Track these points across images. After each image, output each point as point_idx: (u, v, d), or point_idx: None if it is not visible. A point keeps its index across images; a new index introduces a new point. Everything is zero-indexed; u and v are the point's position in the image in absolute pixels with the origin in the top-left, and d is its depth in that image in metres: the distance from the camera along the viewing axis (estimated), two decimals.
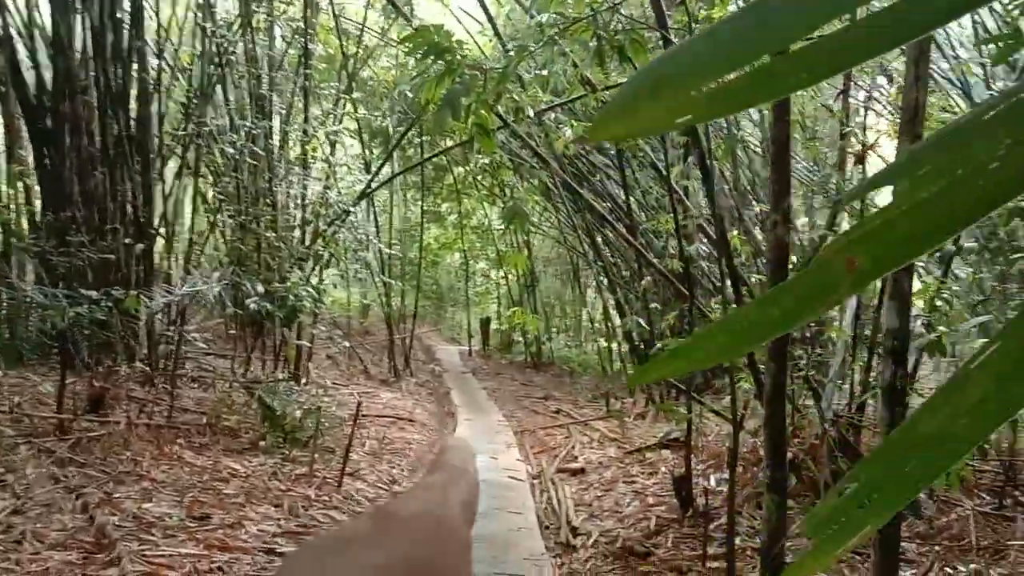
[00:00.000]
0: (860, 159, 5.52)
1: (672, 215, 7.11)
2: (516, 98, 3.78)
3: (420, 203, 18.88)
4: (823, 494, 4.92)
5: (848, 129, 5.13)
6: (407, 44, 3.97)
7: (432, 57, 3.61)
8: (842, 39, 0.53)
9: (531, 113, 5.21)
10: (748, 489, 5.40)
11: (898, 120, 5.61)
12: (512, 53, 5.09)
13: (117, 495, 4.74)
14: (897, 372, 2.43)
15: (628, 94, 0.57)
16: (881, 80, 7.25)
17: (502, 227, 22.10)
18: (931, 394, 0.59)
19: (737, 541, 4.53)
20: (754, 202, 10.49)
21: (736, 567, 4.00)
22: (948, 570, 3.77)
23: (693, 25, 5.03)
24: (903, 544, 4.32)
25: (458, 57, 3.62)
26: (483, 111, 3.75)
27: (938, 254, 6.56)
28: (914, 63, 2.44)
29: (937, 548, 4.09)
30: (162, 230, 9.47)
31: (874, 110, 6.78)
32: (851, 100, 6.18)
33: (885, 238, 0.50)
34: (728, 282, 10.27)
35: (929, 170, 0.52)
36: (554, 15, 4.16)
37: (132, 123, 8.80)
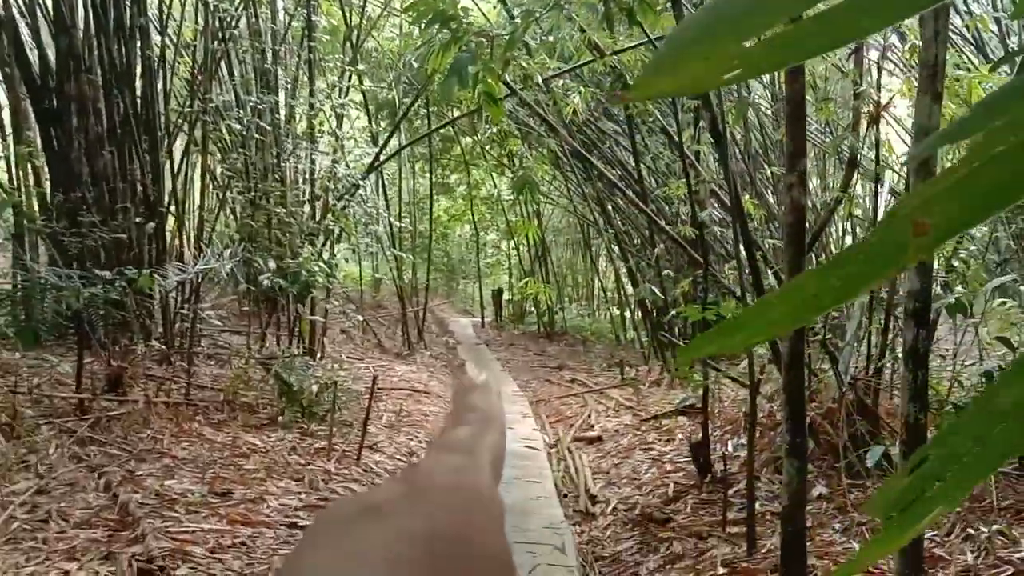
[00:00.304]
0: (874, 119, 5.43)
1: (684, 180, 7.06)
2: (524, 64, 3.71)
3: (429, 175, 18.80)
4: (841, 457, 4.92)
5: (862, 89, 5.04)
6: (411, 12, 3.91)
7: (437, 25, 3.55)
8: None
9: (540, 80, 5.14)
10: (766, 454, 5.40)
11: (912, 79, 5.51)
12: (518, 19, 5.02)
13: (139, 473, 4.78)
14: (919, 334, 2.40)
15: (672, 48, 0.54)
16: (893, 38, 7.12)
17: (512, 197, 22.06)
18: (1010, 365, 0.56)
19: (756, 506, 4.54)
20: (765, 165, 10.39)
21: (756, 532, 4.00)
22: (970, 531, 3.76)
23: None
24: None
25: (464, 24, 3.55)
26: (490, 79, 3.69)
27: None
28: (933, 18, 2.37)
29: (958, 510, 4.07)
30: (172, 208, 9.46)
31: (887, 69, 6.65)
32: (864, 59, 6.07)
33: (957, 197, 0.47)
34: (741, 247, 10.25)
35: (998, 125, 0.48)
36: None
37: (138, 101, 8.75)
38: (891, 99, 5.19)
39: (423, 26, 3.57)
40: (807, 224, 3.32)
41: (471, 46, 3.46)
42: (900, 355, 5.54)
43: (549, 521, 4.74)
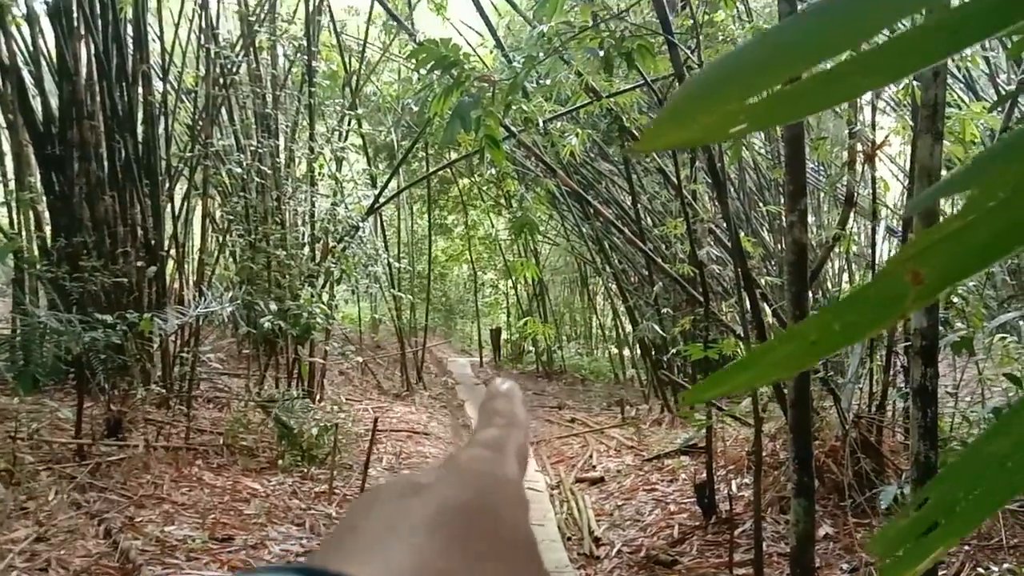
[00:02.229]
0: (870, 158, 5.49)
1: (682, 219, 7.11)
2: (525, 108, 3.76)
3: (427, 215, 18.91)
4: (846, 495, 4.89)
5: (858, 128, 5.11)
6: (414, 59, 3.97)
7: (440, 71, 3.61)
8: (914, 39, 0.52)
9: (540, 122, 5.20)
10: (770, 493, 5.36)
11: (905, 117, 5.59)
12: (517, 64, 5.10)
13: (139, 519, 4.73)
14: (927, 372, 2.40)
15: (680, 102, 0.56)
16: None
17: (509, 237, 22.17)
18: (1013, 404, 0.57)
19: (764, 546, 4.50)
20: (760, 204, 10.48)
21: (764, 573, 3.96)
22: (980, 570, 3.72)
23: (698, 29, 5.03)
24: None
25: (466, 70, 3.62)
26: (492, 123, 3.74)
27: None
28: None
29: (966, 547, 4.04)
30: (172, 252, 9.50)
31: (879, 108, 6.75)
32: (857, 99, 6.16)
33: (953, 249, 0.49)
34: (742, 286, 10.28)
35: (999, 176, 0.50)
36: (560, 23, 4.16)
37: (139, 146, 8.84)
38: (886, 138, 5.26)
39: (426, 72, 3.63)
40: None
41: (474, 91, 3.52)
42: (901, 392, 5.55)
43: (554, 566, 4.69)
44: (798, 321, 3.10)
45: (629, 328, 15.61)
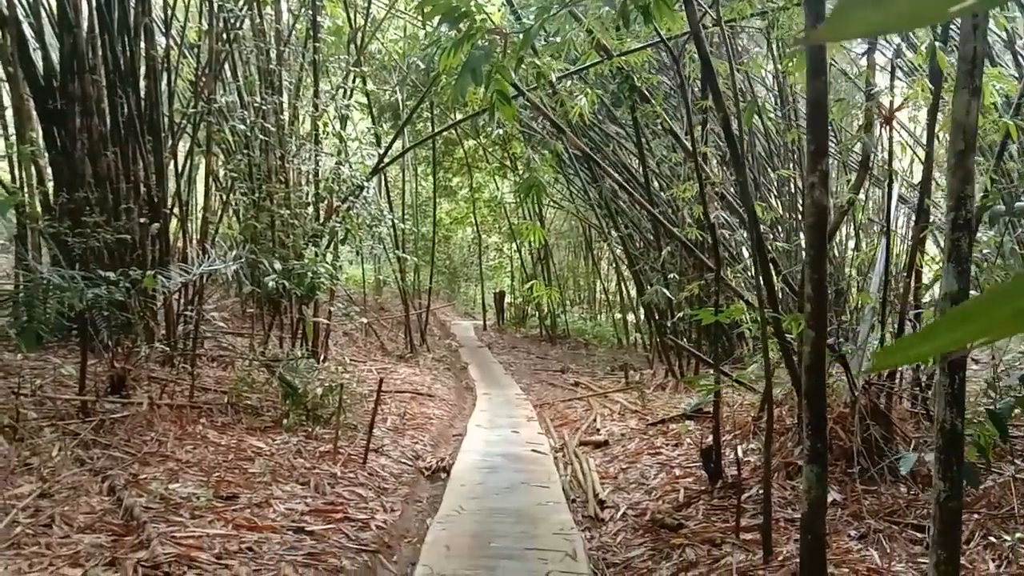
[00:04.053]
0: (887, 121, 5.37)
1: (694, 182, 7.00)
2: (539, 62, 3.65)
3: (432, 177, 18.75)
4: (855, 462, 4.85)
5: (877, 90, 4.98)
6: (421, 11, 3.85)
7: (449, 24, 3.50)
8: None
9: (553, 78, 5.08)
10: (777, 459, 5.32)
11: (925, 80, 5.45)
12: (524, 20, 4.96)
13: (143, 476, 4.72)
14: None
15: None
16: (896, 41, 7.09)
17: (514, 200, 22.04)
18: None
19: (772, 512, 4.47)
20: (769, 170, 10.34)
21: (771, 538, 3.94)
22: (992, 539, 3.69)
23: None
24: None
25: (476, 22, 3.50)
26: (503, 77, 3.63)
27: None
28: (972, 12, 2.31)
29: (976, 516, 4.01)
30: (176, 209, 9.41)
31: (898, 73, 6.58)
32: (874, 61, 6.01)
33: None
34: (744, 251, 10.17)
35: None
36: None
37: (142, 102, 8.70)
38: (905, 100, 5.12)
39: (435, 24, 3.52)
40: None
41: (485, 43, 3.40)
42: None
43: (559, 527, 4.67)
44: (817, 285, 3.02)
45: (634, 293, 15.57)
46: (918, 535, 4.03)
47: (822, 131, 2.97)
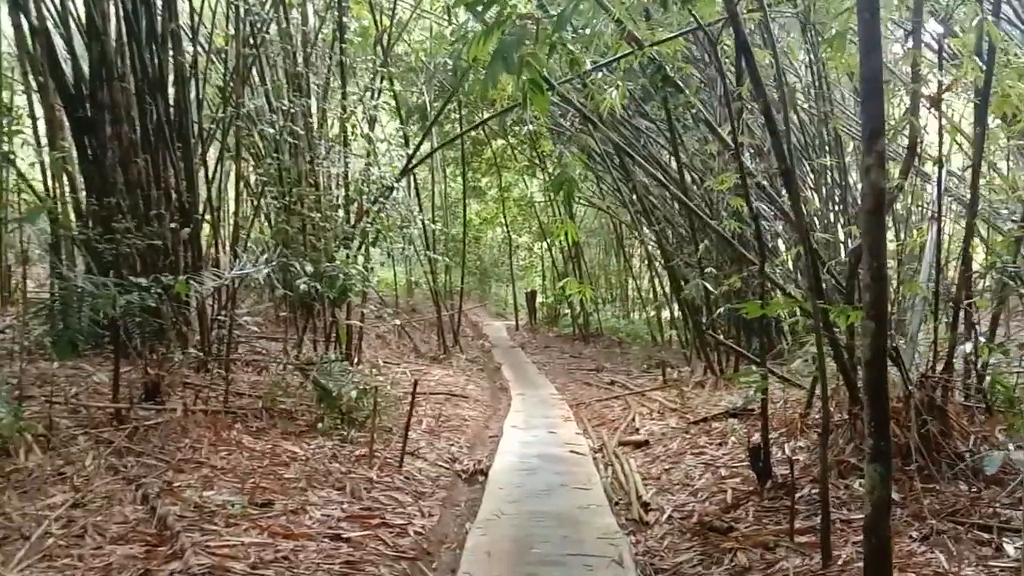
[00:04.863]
0: (936, 103, 5.14)
1: (730, 174, 6.79)
2: (572, 49, 3.50)
3: (461, 178, 18.67)
4: (912, 458, 4.63)
5: (923, 70, 4.75)
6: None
7: (479, 8, 3.36)
8: None
9: (588, 65, 4.92)
10: (828, 457, 5.11)
11: (975, 59, 5.20)
12: (551, 8, 4.80)
13: (177, 484, 4.64)
14: None
15: None
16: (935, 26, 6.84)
17: (544, 199, 21.89)
18: None
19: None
20: (804, 161, 10.07)
21: (830, 541, 3.74)
22: None
23: None
24: (1007, 511, 4.03)
25: (508, 6, 3.36)
26: (536, 65, 3.48)
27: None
28: None
29: None
30: (207, 215, 9.41)
31: (944, 55, 6.31)
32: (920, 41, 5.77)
33: None
34: (781, 243, 9.90)
35: None
36: None
37: (171, 108, 8.70)
38: (955, 80, 4.88)
39: (461, 16, 3.38)
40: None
41: (517, 29, 3.26)
42: (996, 346, 5.24)
43: (603, 531, 4.51)
44: (876, 273, 2.84)
45: (668, 289, 15.34)
46: (984, 536, 3.81)
47: (878, 110, 2.79)
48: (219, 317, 8.08)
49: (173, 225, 7.95)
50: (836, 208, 9.96)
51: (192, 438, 5.53)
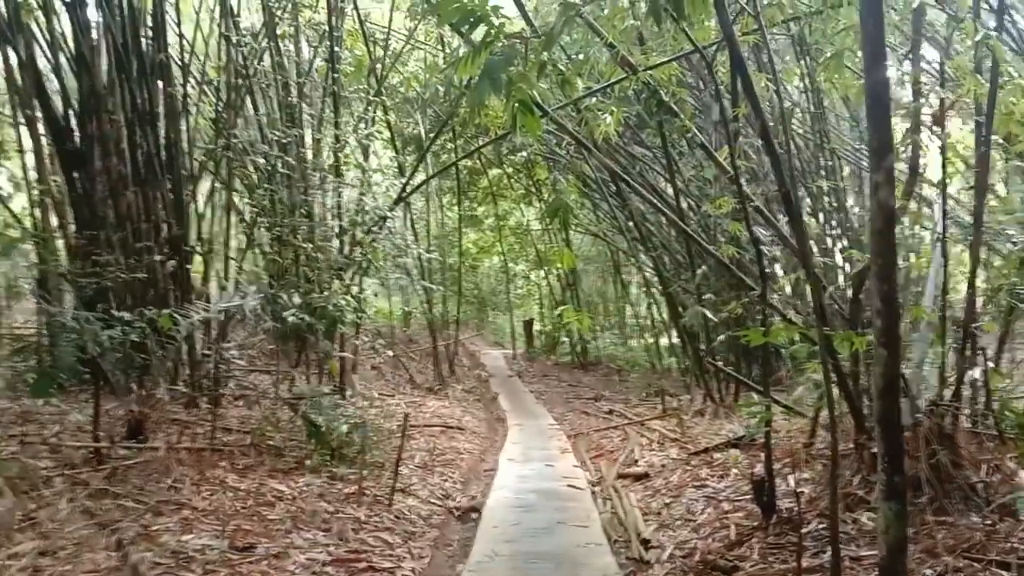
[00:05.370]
0: (938, 121, 5.02)
1: (728, 198, 6.67)
2: (563, 69, 3.37)
3: (457, 207, 18.61)
4: (923, 490, 4.44)
5: (928, 89, 4.64)
6: (438, 13, 3.60)
7: (466, 27, 3.23)
8: None
9: (581, 87, 4.80)
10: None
11: (978, 77, 5.09)
12: (540, 28, 4.69)
13: (155, 527, 4.44)
14: None
15: None
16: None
17: (540, 227, 21.81)
18: None
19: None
20: (802, 186, 9.97)
21: None
22: None
23: None
24: None
25: (495, 23, 3.24)
26: (525, 86, 3.35)
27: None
28: None
29: None
30: (199, 248, 9.27)
31: (946, 74, 6.21)
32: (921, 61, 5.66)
33: None
34: (779, 268, 9.75)
35: None
36: None
37: (162, 141, 8.59)
38: (958, 98, 4.75)
39: (451, 27, 3.26)
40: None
41: (505, 48, 3.13)
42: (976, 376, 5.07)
43: (602, 572, 4.30)
44: (887, 297, 2.68)
45: (665, 316, 15.18)
46: (1003, 573, 3.61)
47: (885, 123, 2.65)
48: (207, 351, 7.90)
49: (159, 258, 7.79)
50: (834, 232, 9.85)
51: (174, 477, 5.32)
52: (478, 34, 3.32)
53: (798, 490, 5.20)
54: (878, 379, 2.68)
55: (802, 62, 8.34)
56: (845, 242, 10.42)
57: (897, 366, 2.67)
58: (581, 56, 6.87)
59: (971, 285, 4.86)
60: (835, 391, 5.04)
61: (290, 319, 6.74)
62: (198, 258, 9.26)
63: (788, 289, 9.15)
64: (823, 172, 9.51)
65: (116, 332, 5.83)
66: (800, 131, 9.96)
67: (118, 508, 4.62)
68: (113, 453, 5.43)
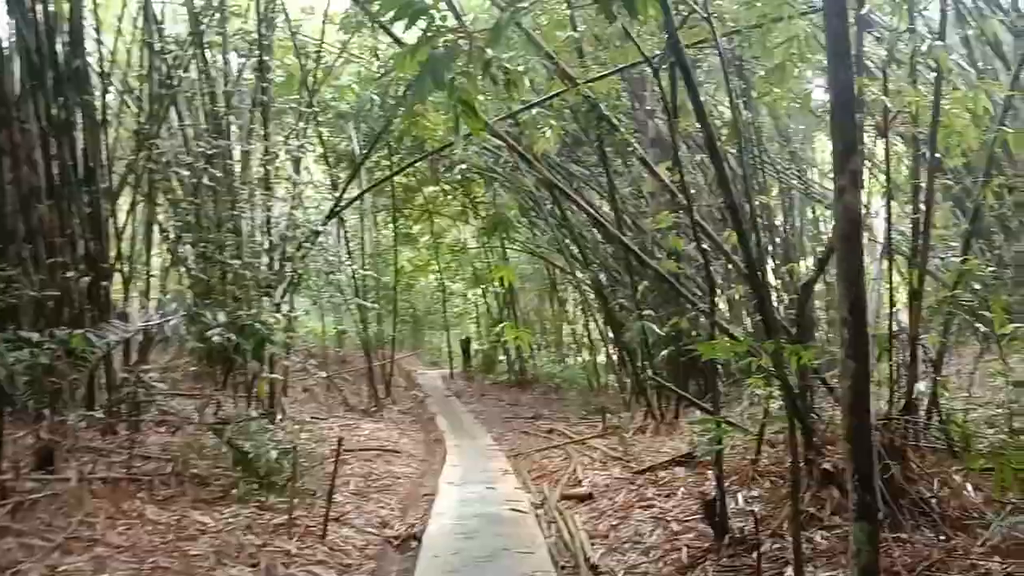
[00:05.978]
0: (883, 131, 5.00)
1: (670, 213, 6.58)
2: (508, 67, 3.18)
3: (392, 225, 18.30)
4: (881, 508, 4.34)
5: (875, 96, 4.60)
6: (375, 5, 3.38)
7: (405, 21, 3.02)
8: None
9: (526, 84, 4.63)
10: (786, 508, 4.80)
11: (920, 89, 5.10)
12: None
13: (63, 567, 4.04)
14: None
15: None
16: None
17: (477, 245, 21.64)
18: None
19: (790, 572, 3.94)
20: (757, 192, 10.02)
21: None
22: None
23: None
24: (985, 562, 3.75)
25: (436, 19, 3.03)
26: (469, 85, 3.15)
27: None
28: None
29: None
30: (118, 265, 8.78)
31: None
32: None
33: None
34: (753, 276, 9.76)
35: None
36: None
37: (79, 152, 8.11)
38: (908, 105, 4.71)
39: (392, 20, 3.04)
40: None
41: (447, 43, 2.93)
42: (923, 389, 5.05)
43: None
44: (854, 305, 2.54)
45: (603, 333, 15.14)
46: None
47: (850, 124, 2.52)
48: (126, 374, 7.43)
49: (69, 274, 7.30)
50: (774, 248, 9.94)
51: (86, 511, 4.90)
52: (417, 31, 3.12)
53: (747, 507, 5.09)
54: (846, 393, 2.54)
55: (731, 84, 8.38)
56: (777, 261, 10.54)
57: (867, 379, 2.54)
58: (521, 68, 6.72)
59: (917, 297, 4.83)
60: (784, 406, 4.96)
61: (215, 338, 6.36)
62: (118, 276, 8.77)
63: (723, 305, 9.15)
64: (757, 187, 9.56)
65: (24, 354, 5.39)
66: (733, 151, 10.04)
67: (21, 547, 4.19)
68: (18, 486, 4.99)
